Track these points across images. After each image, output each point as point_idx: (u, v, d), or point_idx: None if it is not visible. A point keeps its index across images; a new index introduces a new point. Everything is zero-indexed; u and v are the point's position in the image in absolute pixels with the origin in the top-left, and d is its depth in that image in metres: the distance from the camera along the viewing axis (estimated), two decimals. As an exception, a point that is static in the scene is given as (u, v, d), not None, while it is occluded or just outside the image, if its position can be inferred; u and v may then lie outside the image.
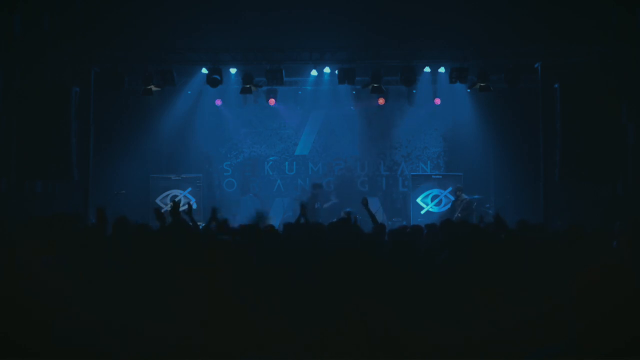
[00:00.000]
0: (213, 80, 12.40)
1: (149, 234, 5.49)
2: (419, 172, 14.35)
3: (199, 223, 12.16)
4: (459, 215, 11.79)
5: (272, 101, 13.59)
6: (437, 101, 13.78)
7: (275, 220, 13.79)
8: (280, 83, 12.67)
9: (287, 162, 14.71)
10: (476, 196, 12.73)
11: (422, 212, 13.60)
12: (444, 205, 13.46)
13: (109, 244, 5.29)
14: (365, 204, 7.68)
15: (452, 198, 13.31)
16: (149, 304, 3.39)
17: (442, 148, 14.48)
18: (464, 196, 12.47)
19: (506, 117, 13.50)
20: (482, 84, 12.42)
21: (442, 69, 12.84)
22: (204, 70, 12.71)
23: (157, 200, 13.60)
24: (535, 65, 12.20)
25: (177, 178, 13.78)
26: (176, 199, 7.65)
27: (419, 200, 13.65)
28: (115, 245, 5.20)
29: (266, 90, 13.54)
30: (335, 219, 10.64)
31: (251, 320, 3.05)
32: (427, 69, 12.88)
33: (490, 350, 3.28)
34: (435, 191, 13.66)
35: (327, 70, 12.89)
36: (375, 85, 12.62)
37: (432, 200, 13.64)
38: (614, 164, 11.73)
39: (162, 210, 6.33)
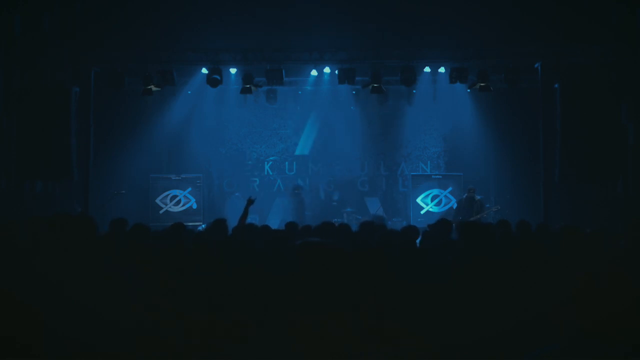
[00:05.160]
0: (213, 80, 12.40)
1: (149, 234, 5.48)
2: (419, 172, 14.36)
3: (198, 224, 12.22)
4: (478, 217, 11.67)
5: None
6: None
7: (275, 220, 13.82)
8: (280, 83, 12.67)
9: (287, 162, 14.72)
10: (477, 197, 12.72)
11: (422, 212, 13.60)
12: (444, 205, 13.45)
13: (109, 244, 5.28)
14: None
15: (452, 198, 13.29)
16: (150, 304, 3.40)
17: (442, 148, 14.48)
18: (478, 197, 12.30)
19: (506, 117, 13.51)
20: (482, 84, 12.42)
21: (442, 69, 12.85)
22: (204, 70, 12.71)
23: (157, 200, 13.61)
24: (535, 65, 12.20)
25: (177, 178, 13.78)
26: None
27: (419, 200, 13.65)
28: (114, 245, 5.19)
29: (266, 90, 13.56)
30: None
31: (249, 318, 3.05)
32: (427, 69, 12.89)
33: (490, 350, 3.28)
34: (435, 191, 13.66)
35: (327, 70, 12.89)
36: (375, 85, 12.62)
37: (432, 200, 13.63)
38: (614, 164, 11.73)
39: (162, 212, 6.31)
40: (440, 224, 6.24)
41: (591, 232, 5.38)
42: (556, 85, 11.97)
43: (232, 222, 7.18)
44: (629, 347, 2.16)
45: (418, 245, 5.92)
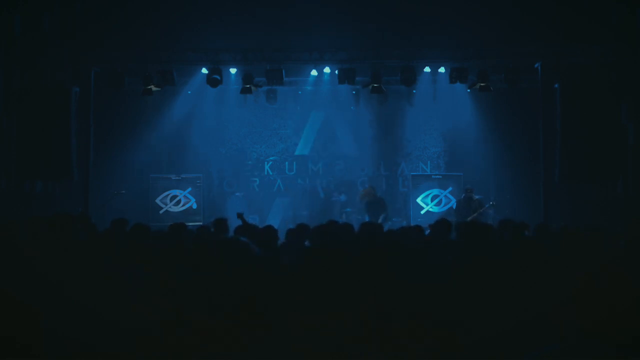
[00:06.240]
0: (213, 80, 12.40)
1: (149, 234, 5.48)
2: (419, 172, 14.35)
3: (198, 224, 12.21)
4: (475, 215, 11.67)
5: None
6: None
7: (275, 220, 13.82)
8: (280, 83, 12.67)
9: (287, 162, 14.70)
10: (477, 196, 12.71)
11: (422, 212, 13.60)
12: (444, 205, 13.44)
13: (109, 244, 5.29)
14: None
15: (452, 198, 13.29)
16: (150, 304, 3.40)
17: (442, 148, 14.47)
18: (476, 197, 12.30)
19: (506, 117, 13.50)
20: (482, 84, 12.42)
21: (442, 69, 12.85)
22: (204, 70, 12.71)
23: (157, 200, 13.61)
24: (535, 65, 12.20)
25: (177, 178, 13.78)
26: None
27: (419, 200, 13.65)
28: (114, 245, 5.19)
29: (266, 90, 13.56)
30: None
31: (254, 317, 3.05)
32: (427, 69, 12.89)
33: (490, 350, 3.28)
34: (435, 191, 13.65)
35: (327, 70, 12.89)
36: (375, 85, 12.62)
37: (432, 200, 13.63)
38: (614, 164, 11.73)
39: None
40: (440, 224, 6.25)
41: (591, 232, 5.38)
42: (556, 85, 11.97)
43: (232, 222, 7.19)
44: (629, 347, 2.16)
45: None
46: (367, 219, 11.88)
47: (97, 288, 3.56)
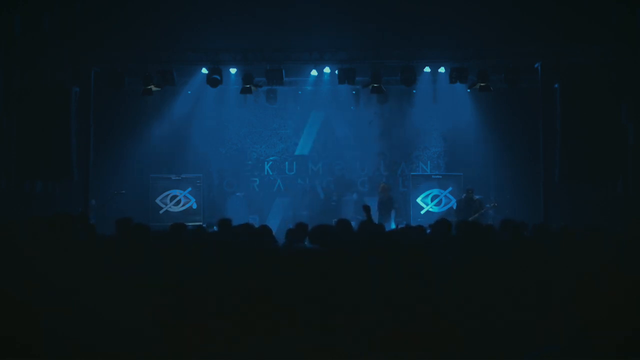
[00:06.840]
0: (213, 80, 12.40)
1: (149, 234, 5.48)
2: (419, 172, 14.34)
3: (198, 224, 12.22)
4: (476, 216, 11.64)
5: None
6: None
7: (275, 220, 13.82)
8: (280, 83, 12.67)
9: (287, 162, 14.70)
10: (477, 196, 12.71)
11: (422, 212, 13.60)
12: (444, 205, 13.44)
13: (110, 245, 5.28)
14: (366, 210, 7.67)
15: (452, 198, 13.29)
16: (150, 304, 3.40)
17: (442, 148, 14.46)
18: (476, 197, 12.27)
19: (506, 117, 13.51)
20: (482, 84, 12.41)
21: (442, 69, 12.85)
22: (204, 70, 12.71)
23: (157, 200, 13.61)
24: (535, 65, 12.20)
25: (177, 178, 13.77)
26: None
27: (419, 200, 13.65)
28: (114, 245, 5.19)
29: (266, 90, 13.56)
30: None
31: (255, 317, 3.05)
32: (427, 69, 12.89)
33: (490, 350, 3.28)
34: (435, 191, 13.65)
35: (327, 70, 12.89)
36: (375, 85, 12.62)
37: (432, 200, 13.63)
38: (614, 164, 11.73)
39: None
40: (440, 224, 6.24)
41: (591, 232, 5.38)
42: (556, 85, 11.97)
43: (235, 222, 7.17)
44: (629, 347, 2.16)
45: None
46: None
47: (97, 288, 3.56)
